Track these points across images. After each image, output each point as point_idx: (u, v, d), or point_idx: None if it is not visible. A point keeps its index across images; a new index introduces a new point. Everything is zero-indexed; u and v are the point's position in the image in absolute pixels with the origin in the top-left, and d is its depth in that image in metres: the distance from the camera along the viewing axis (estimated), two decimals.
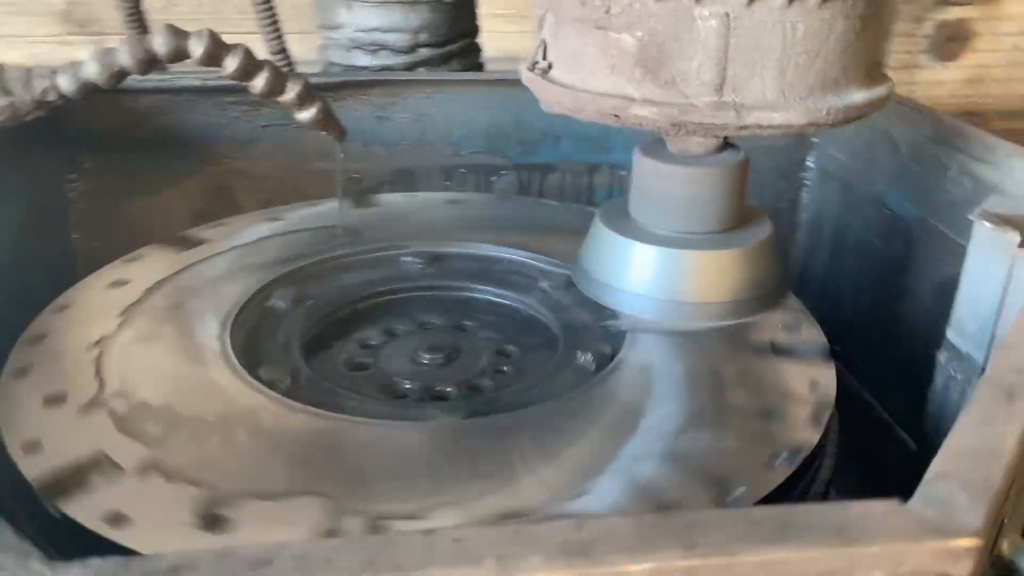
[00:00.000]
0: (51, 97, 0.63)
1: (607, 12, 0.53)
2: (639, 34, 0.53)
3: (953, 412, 0.60)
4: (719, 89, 0.52)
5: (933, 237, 0.79)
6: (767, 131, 0.52)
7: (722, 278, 0.64)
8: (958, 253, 0.74)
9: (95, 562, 0.27)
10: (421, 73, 0.94)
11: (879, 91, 0.56)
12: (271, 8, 1.00)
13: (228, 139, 0.91)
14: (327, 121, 0.71)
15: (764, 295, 0.65)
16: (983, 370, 0.57)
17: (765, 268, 0.65)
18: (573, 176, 0.98)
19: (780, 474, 0.47)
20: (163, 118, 0.89)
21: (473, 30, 1.04)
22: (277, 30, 1.01)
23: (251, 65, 0.65)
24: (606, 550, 0.29)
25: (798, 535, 0.29)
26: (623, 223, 0.67)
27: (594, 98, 0.55)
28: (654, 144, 0.67)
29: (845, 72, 0.55)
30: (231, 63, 0.64)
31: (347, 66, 0.96)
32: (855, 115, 0.55)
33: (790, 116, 0.52)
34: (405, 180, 0.96)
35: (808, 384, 0.55)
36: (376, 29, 0.92)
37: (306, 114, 0.70)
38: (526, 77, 0.62)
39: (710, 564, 0.28)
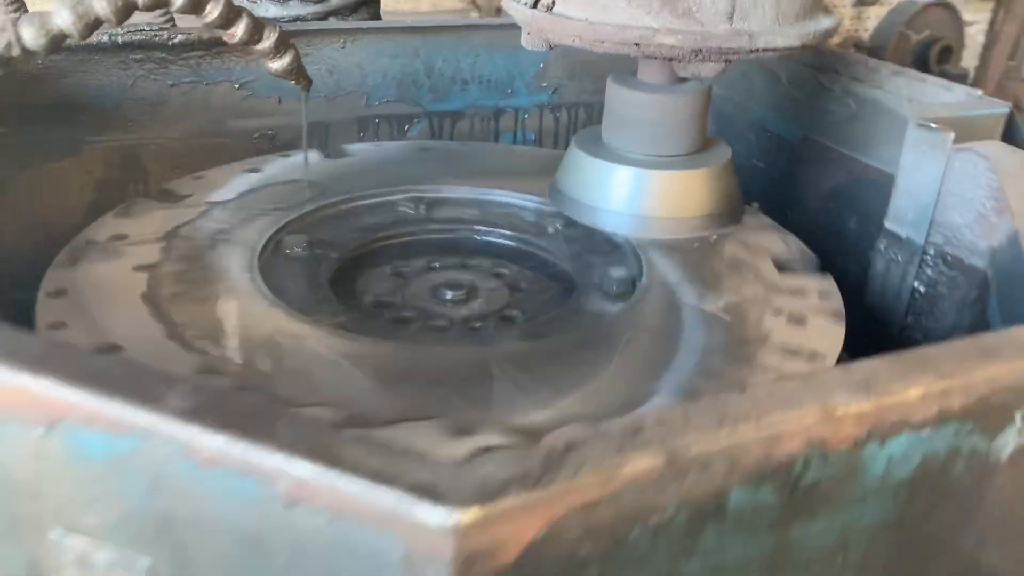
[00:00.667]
0: (14, 52, 0.57)
1: None
2: None
3: (896, 288, 0.73)
4: (731, 18, 0.59)
5: (817, 152, 0.92)
6: (770, 54, 0.60)
7: (694, 194, 0.71)
8: (844, 163, 0.88)
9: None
10: (334, 23, 0.93)
11: (834, 19, 0.66)
12: None
13: (133, 101, 0.85)
14: (298, 70, 0.69)
15: (730, 210, 0.73)
16: (923, 250, 0.70)
17: (729, 185, 0.73)
18: (481, 121, 1.01)
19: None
20: (63, 81, 0.81)
21: None
22: None
23: (232, 13, 0.62)
24: (880, 384, 0.35)
25: (997, 353, 0.37)
26: (599, 149, 0.72)
27: (615, 30, 0.60)
28: (625, 75, 0.73)
29: (815, 3, 0.63)
30: (214, 10, 0.61)
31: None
32: (823, 39, 0.64)
33: (789, 40, 0.60)
34: (319, 133, 0.94)
35: (816, 292, 0.64)
36: None
37: (279, 63, 0.68)
38: (526, 14, 0.65)
39: (956, 384, 0.36)
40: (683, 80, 0.71)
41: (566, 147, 0.76)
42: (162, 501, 0.31)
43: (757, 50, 0.59)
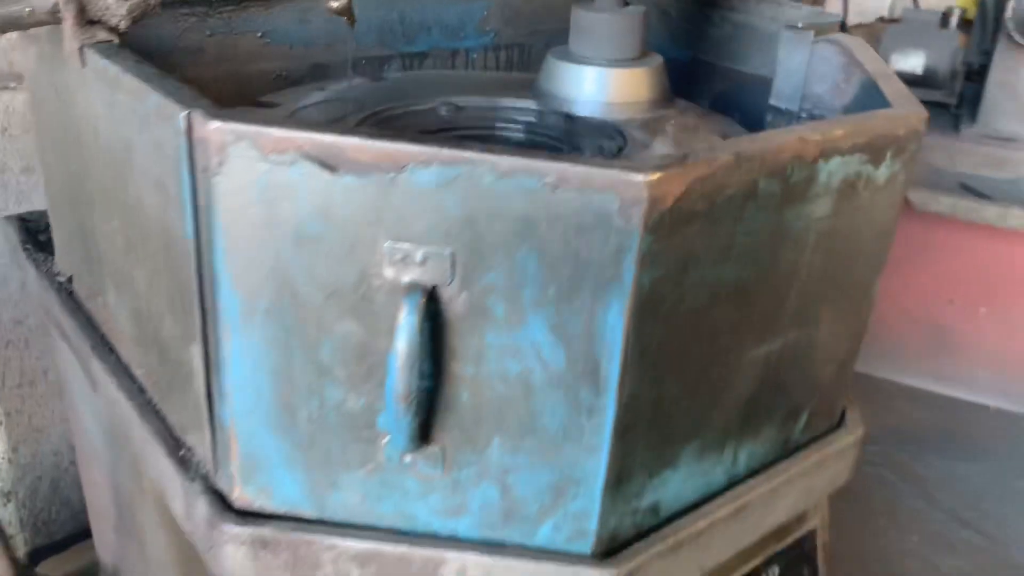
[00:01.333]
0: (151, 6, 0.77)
1: None
2: None
3: None
4: None
5: (704, 69, 1.22)
6: None
7: (644, 85, 0.99)
8: (726, 74, 1.18)
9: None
10: None
11: None
12: None
13: (180, 50, 1.03)
14: (349, 9, 0.91)
15: (668, 96, 1.02)
16: (798, 115, 1.01)
17: (664, 79, 1.02)
18: (441, 60, 1.25)
19: None
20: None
21: None
22: None
23: None
24: (824, 128, 0.64)
25: (875, 117, 0.67)
26: (571, 56, 0.99)
27: None
28: (584, 3, 0.99)
29: None
30: None
31: None
32: None
33: None
34: (320, 74, 1.15)
35: None
36: None
37: (339, 3, 0.90)
38: None
39: (859, 130, 0.65)
40: (627, 4, 0.99)
41: None
42: (468, 206, 0.55)
43: None
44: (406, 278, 0.57)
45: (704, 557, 0.71)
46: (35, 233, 1.10)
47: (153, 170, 0.65)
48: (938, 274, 2.64)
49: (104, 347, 0.88)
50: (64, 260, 0.99)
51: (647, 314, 0.57)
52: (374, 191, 0.56)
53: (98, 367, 0.86)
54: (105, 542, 1.24)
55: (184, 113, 0.58)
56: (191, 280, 0.63)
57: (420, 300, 0.56)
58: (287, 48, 1.10)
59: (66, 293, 0.98)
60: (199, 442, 0.71)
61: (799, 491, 0.79)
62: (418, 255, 0.57)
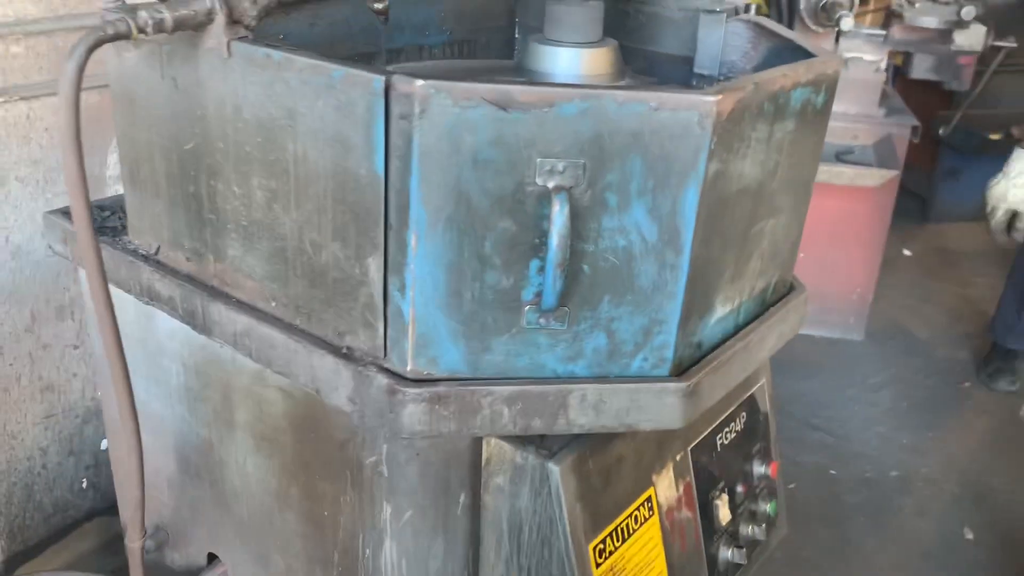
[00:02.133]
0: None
1: None
2: None
3: None
4: None
5: (628, 53, 1.53)
6: None
7: (607, 62, 1.28)
8: (645, 55, 1.50)
9: None
10: None
11: None
12: None
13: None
14: (386, 11, 1.14)
15: (623, 71, 1.31)
16: (718, 79, 1.33)
17: (620, 57, 1.31)
18: (411, 54, 1.49)
19: None
20: None
21: None
22: None
23: None
24: (790, 70, 0.95)
25: (813, 62, 1.00)
26: (549, 41, 1.26)
27: None
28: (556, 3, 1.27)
29: None
30: None
31: None
32: None
33: None
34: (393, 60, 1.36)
35: None
36: None
37: (379, 4, 1.12)
38: None
39: (808, 70, 0.97)
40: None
41: None
42: (596, 128, 0.82)
43: None
44: (551, 183, 0.83)
45: (729, 377, 1.01)
46: None
47: (328, 128, 0.87)
48: None
49: (220, 294, 1.06)
50: (149, 234, 1.14)
51: (708, 194, 0.86)
52: (533, 122, 0.81)
53: (219, 310, 1.04)
54: (154, 504, 1.37)
55: (383, 78, 0.81)
56: (376, 205, 0.85)
57: (566, 196, 0.82)
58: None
59: (154, 262, 1.14)
60: (365, 339, 0.92)
61: (775, 334, 1.11)
62: (560, 166, 0.83)
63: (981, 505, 2.51)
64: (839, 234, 3.22)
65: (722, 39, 1.31)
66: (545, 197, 0.83)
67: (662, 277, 0.89)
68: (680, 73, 1.38)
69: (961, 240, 4.28)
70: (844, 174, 2.92)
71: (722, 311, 1.00)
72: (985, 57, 3.73)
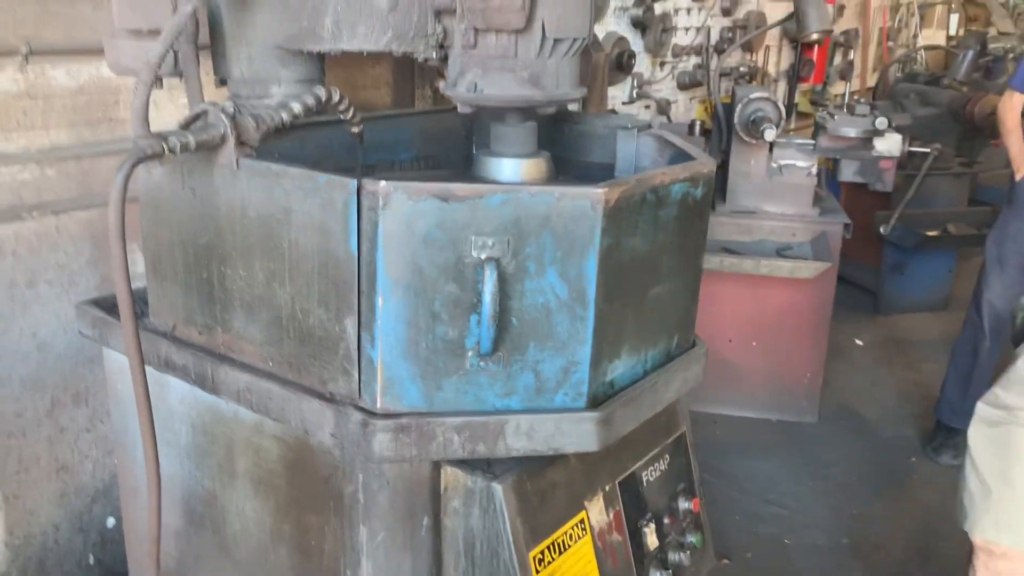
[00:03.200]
0: (282, 123, 1.26)
1: None
2: None
3: None
4: (557, 86, 1.47)
5: (562, 163, 1.83)
6: (570, 103, 1.49)
7: (541, 169, 1.57)
8: (578, 163, 1.80)
9: None
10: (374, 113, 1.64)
11: (584, 89, 1.58)
12: None
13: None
14: (361, 134, 1.44)
15: (554, 176, 1.61)
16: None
17: (552, 166, 1.60)
18: (381, 169, 1.78)
19: None
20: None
21: None
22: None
23: (351, 106, 1.37)
24: (672, 171, 1.24)
25: (687, 164, 1.29)
26: (495, 153, 1.55)
27: (513, 97, 1.45)
28: (499, 121, 1.57)
29: (582, 78, 1.55)
30: (344, 104, 1.35)
31: None
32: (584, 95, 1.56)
33: (578, 94, 1.50)
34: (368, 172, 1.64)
35: None
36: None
37: (357, 128, 1.42)
38: (465, 96, 1.47)
39: (684, 171, 1.27)
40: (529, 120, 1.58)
41: None
42: (516, 213, 1.09)
43: (564, 101, 1.47)
44: (484, 255, 1.10)
45: (639, 411, 1.26)
46: (111, 307, 1.50)
47: (315, 220, 1.14)
48: (717, 318, 3.41)
49: (226, 359, 1.31)
50: (167, 314, 1.40)
51: (604, 262, 1.13)
52: (468, 210, 1.08)
53: (225, 371, 1.29)
54: (165, 552, 1.57)
55: (355, 181, 1.08)
56: (351, 276, 1.12)
57: (495, 265, 1.09)
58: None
59: (171, 337, 1.39)
60: (343, 384, 1.17)
61: (678, 381, 1.36)
62: (490, 242, 1.10)
63: (927, 566, 2.69)
64: (786, 323, 3.51)
65: (635, 149, 1.61)
66: (480, 266, 1.10)
67: (574, 327, 1.15)
68: (604, 176, 1.67)
69: (909, 330, 4.57)
70: (783, 267, 3.23)
71: (629, 358, 1.25)
72: (915, 161, 4.14)
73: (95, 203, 1.90)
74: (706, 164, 1.31)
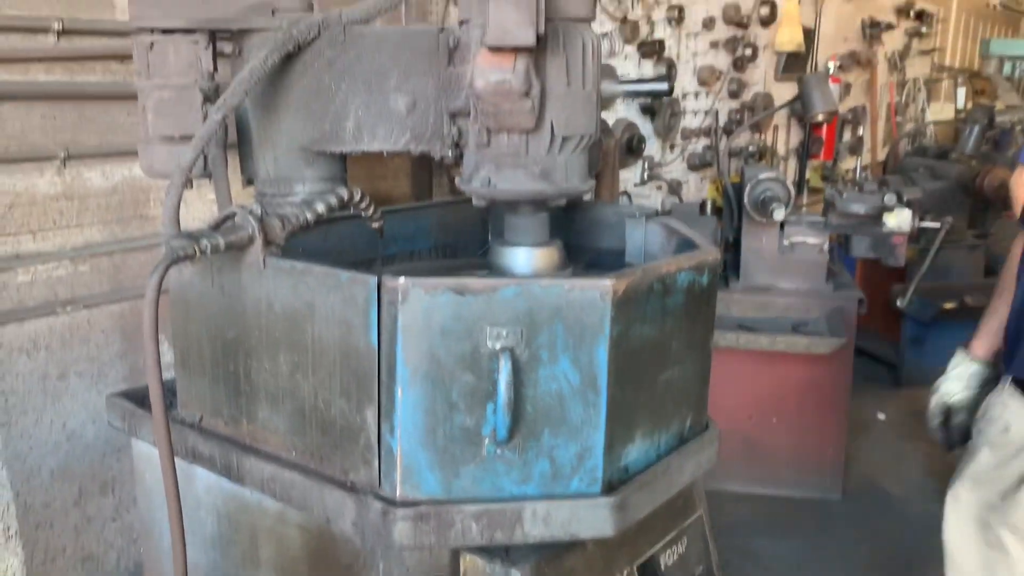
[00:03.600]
0: (307, 223, 1.33)
1: None
2: None
3: None
4: (567, 179, 1.54)
5: (576, 249, 1.89)
6: (578, 195, 1.56)
7: (554, 257, 1.63)
8: (589, 249, 1.86)
9: None
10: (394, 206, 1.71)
11: (592, 181, 1.65)
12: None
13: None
14: (382, 228, 1.51)
15: (566, 264, 1.66)
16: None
17: (564, 253, 1.66)
18: (401, 259, 1.85)
19: None
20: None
21: None
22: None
23: (371, 203, 1.44)
24: (679, 259, 1.30)
25: (691, 254, 1.35)
26: (509, 243, 1.61)
27: (525, 191, 1.51)
28: (512, 216, 1.63)
29: (590, 171, 1.62)
30: (365, 202, 1.43)
31: None
32: (593, 187, 1.62)
33: (586, 187, 1.57)
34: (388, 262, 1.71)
35: None
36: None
37: (377, 224, 1.49)
38: (481, 191, 1.54)
39: (690, 260, 1.32)
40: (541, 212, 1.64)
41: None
42: (528, 305, 1.14)
43: (574, 194, 1.54)
44: (498, 345, 1.14)
45: (654, 495, 1.28)
46: (141, 399, 1.55)
47: (337, 315, 1.19)
48: (737, 395, 3.42)
49: (251, 449, 1.35)
50: (194, 406, 1.45)
51: (615, 349, 1.17)
52: (482, 302, 1.14)
53: (251, 461, 1.33)
54: None
55: (375, 278, 1.14)
56: (372, 368, 1.16)
57: (510, 354, 1.13)
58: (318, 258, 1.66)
59: (198, 428, 1.43)
60: (364, 473, 1.21)
61: (692, 464, 1.38)
62: (504, 332, 1.14)
63: None
64: (805, 399, 3.51)
65: (644, 236, 1.67)
66: (494, 356, 1.15)
67: (588, 413, 1.18)
68: (616, 263, 1.73)
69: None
70: (799, 343, 3.25)
71: (643, 442, 1.28)
72: (928, 234, 4.18)
73: (126, 296, 1.98)
74: (711, 253, 1.36)
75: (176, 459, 1.43)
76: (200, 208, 2.08)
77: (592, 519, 1.20)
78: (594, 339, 1.16)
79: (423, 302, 1.13)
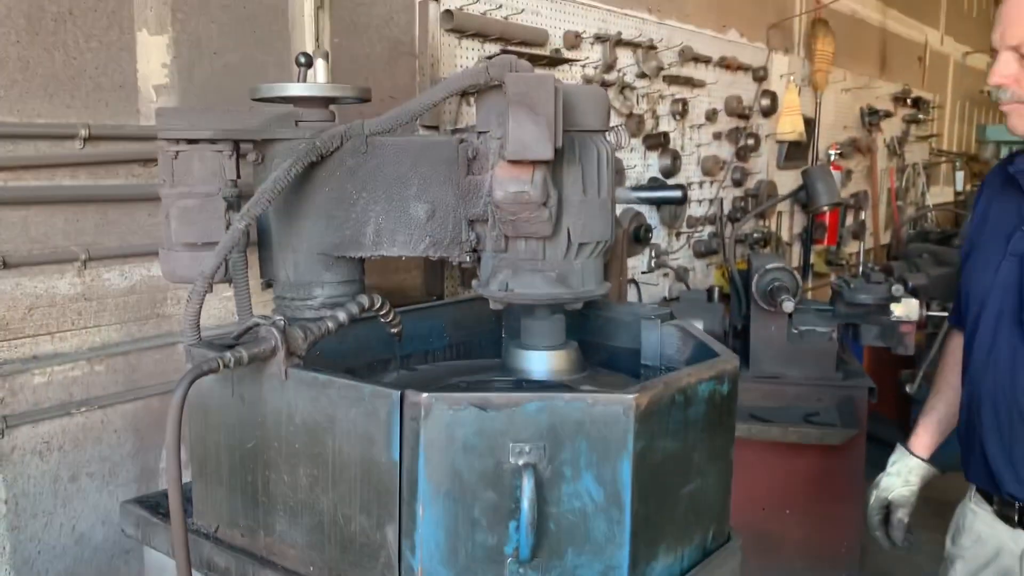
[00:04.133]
0: (328, 332, 1.34)
1: None
2: None
3: None
4: (582, 284, 1.55)
5: (592, 348, 1.90)
6: (596, 297, 1.57)
7: (570, 360, 1.63)
8: (606, 348, 1.87)
9: None
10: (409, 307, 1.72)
11: (608, 285, 1.66)
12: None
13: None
14: (400, 332, 1.51)
15: (583, 365, 1.66)
16: (660, 369, 1.68)
17: (580, 355, 1.66)
18: (417, 359, 1.85)
19: None
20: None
21: None
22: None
23: (390, 309, 1.45)
24: (685, 374, 1.30)
25: (709, 366, 1.35)
26: (525, 345, 1.61)
27: (542, 295, 1.53)
28: (529, 319, 1.64)
29: (603, 275, 1.63)
30: (384, 308, 1.44)
31: None
32: (608, 290, 1.64)
33: (602, 291, 1.58)
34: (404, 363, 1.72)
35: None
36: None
37: (396, 329, 1.50)
38: (498, 295, 1.55)
39: (709, 370, 1.32)
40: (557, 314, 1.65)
41: None
42: (551, 420, 1.14)
43: (590, 297, 1.55)
44: (521, 461, 1.14)
45: None
46: (155, 507, 1.54)
47: (358, 428, 1.19)
48: (749, 486, 3.36)
49: (267, 563, 1.33)
50: (210, 516, 1.43)
51: (638, 463, 1.17)
52: (505, 418, 1.13)
53: (267, 575, 1.31)
54: None
55: (398, 392, 1.14)
56: (393, 484, 1.15)
57: (533, 470, 1.13)
58: (336, 359, 1.67)
59: (214, 538, 1.42)
60: None
61: None
62: (527, 448, 1.14)
63: None
64: (818, 491, 3.46)
65: (660, 338, 1.68)
66: (517, 472, 1.14)
67: (611, 530, 1.17)
68: (632, 363, 1.73)
69: (944, 490, 4.46)
70: (812, 434, 3.22)
71: (666, 558, 1.27)
72: (935, 319, 4.19)
73: (140, 396, 1.97)
74: (730, 361, 1.36)
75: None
76: (215, 305, 2.09)
77: None
78: (618, 454, 1.16)
79: (446, 417, 1.13)
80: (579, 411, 1.15)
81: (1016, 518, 1.82)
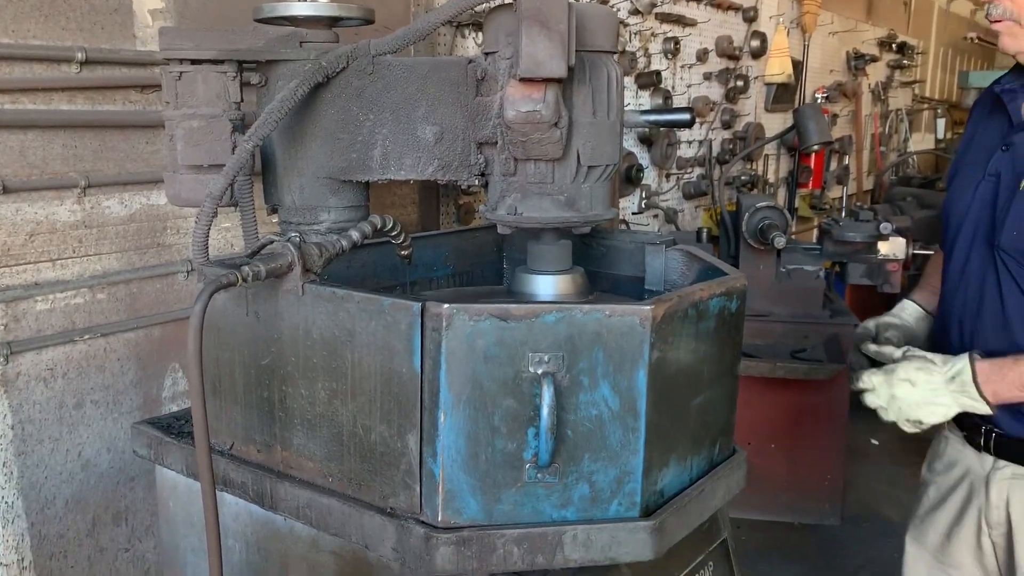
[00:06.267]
0: (343, 252, 1.35)
1: None
2: None
3: None
4: (591, 207, 1.56)
5: (597, 276, 1.92)
6: (603, 222, 1.59)
7: (577, 283, 1.65)
8: (607, 277, 1.89)
9: None
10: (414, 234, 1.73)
11: (615, 210, 1.68)
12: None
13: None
14: (410, 256, 1.52)
15: (589, 290, 1.68)
16: (660, 293, 1.70)
17: (586, 279, 1.68)
18: (426, 285, 1.86)
19: None
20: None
21: None
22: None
23: (402, 230, 1.46)
24: (712, 285, 1.32)
25: (719, 281, 1.37)
26: (532, 270, 1.63)
27: (552, 218, 1.54)
28: (536, 241, 1.66)
29: (613, 199, 1.65)
30: (396, 230, 1.44)
31: None
32: (616, 215, 1.65)
33: (609, 215, 1.59)
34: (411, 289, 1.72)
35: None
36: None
37: (405, 252, 1.51)
38: (506, 218, 1.56)
39: (716, 287, 1.34)
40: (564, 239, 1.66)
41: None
42: (569, 331, 1.16)
43: (598, 221, 1.56)
44: (540, 370, 1.16)
45: (689, 519, 1.30)
46: (167, 428, 1.55)
47: (378, 341, 1.21)
48: (736, 421, 3.43)
49: (285, 476, 1.35)
50: (224, 433, 1.45)
51: (653, 374, 1.19)
52: (524, 328, 1.15)
53: (285, 488, 1.33)
54: None
55: (419, 304, 1.16)
56: (415, 394, 1.17)
57: (551, 379, 1.15)
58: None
59: (229, 455, 1.43)
60: (404, 499, 1.21)
61: (723, 488, 1.40)
62: (546, 358, 1.16)
63: None
64: (803, 426, 3.54)
65: (664, 263, 1.70)
66: (536, 381, 1.16)
67: (626, 438, 1.20)
68: (635, 289, 1.76)
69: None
70: (799, 369, 3.28)
71: (677, 467, 1.30)
72: (919, 261, 4.25)
73: (142, 324, 1.97)
74: (739, 279, 1.39)
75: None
76: (215, 236, 2.08)
77: (631, 543, 1.21)
78: (633, 364, 1.18)
79: (467, 328, 1.15)
80: (596, 322, 1.17)
81: (982, 442, 1.84)
